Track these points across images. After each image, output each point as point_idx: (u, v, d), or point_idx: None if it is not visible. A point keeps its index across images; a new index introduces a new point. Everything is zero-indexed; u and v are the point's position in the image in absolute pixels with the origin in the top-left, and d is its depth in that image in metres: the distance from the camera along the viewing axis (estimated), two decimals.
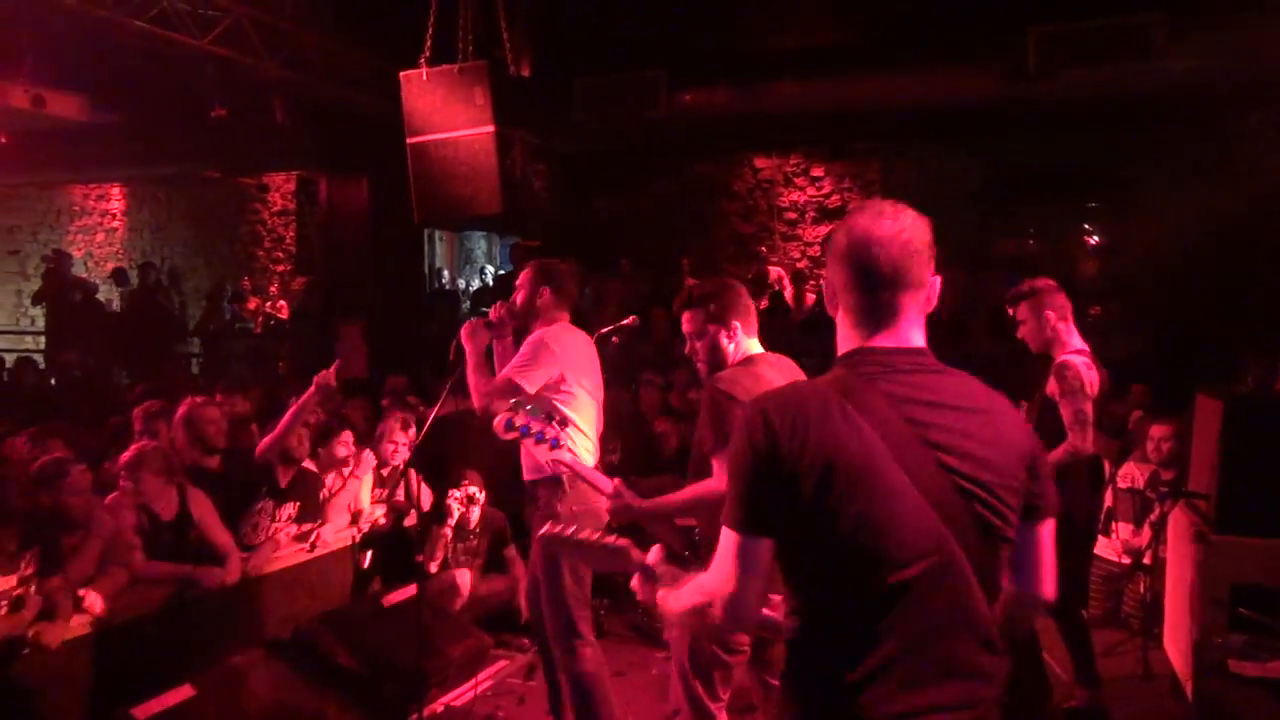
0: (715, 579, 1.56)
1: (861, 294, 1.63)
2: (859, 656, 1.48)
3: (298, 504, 4.63)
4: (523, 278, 3.68)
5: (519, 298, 3.65)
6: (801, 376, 2.79)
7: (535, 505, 3.62)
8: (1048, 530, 1.69)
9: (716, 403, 2.63)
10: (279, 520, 4.56)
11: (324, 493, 4.89)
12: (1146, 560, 4.71)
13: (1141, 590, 4.87)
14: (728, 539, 1.55)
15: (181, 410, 4.49)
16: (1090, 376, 3.66)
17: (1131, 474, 5.12)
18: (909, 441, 1.51)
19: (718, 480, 2.55)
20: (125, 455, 4.14)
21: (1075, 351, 3.73)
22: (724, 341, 2.84)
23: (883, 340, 1.62)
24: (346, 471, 5.06)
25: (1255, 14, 6.60)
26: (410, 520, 5.02)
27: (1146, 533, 4.98)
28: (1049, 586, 1.71)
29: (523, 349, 3.49)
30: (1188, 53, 7.01)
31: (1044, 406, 3.74)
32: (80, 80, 6.74)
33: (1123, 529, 5.10)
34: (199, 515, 4.13)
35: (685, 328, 2.88)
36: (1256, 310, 6.70)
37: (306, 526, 4.69)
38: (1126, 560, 5.04)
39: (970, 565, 1.51)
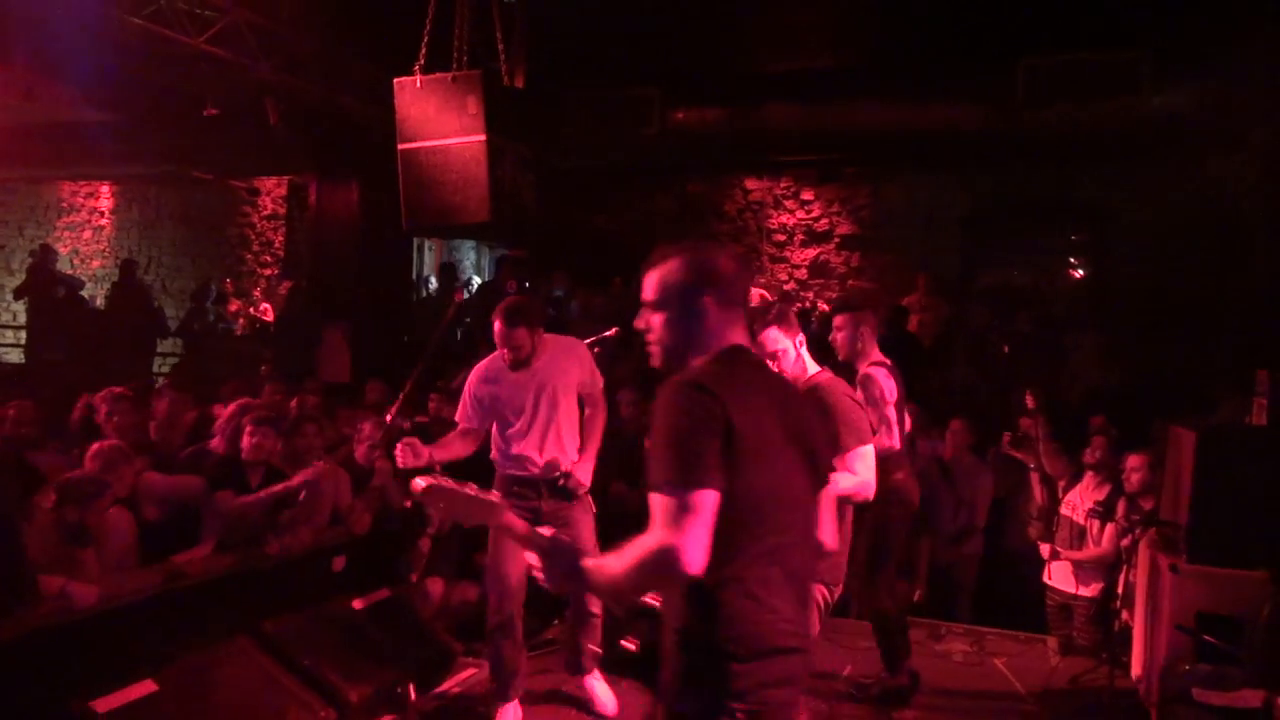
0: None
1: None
2: None
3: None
4: (522, 338, 3.80)
5: (524, 353, 3.82)
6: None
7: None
8: None
9: (846, 404, 2.95)
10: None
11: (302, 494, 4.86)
12: (1119, 589, 4.74)
13: (1087, 619, 4.92)
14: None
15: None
16: (889, 385, 3.98)
17: (1074, 502, 5.15)
18: None
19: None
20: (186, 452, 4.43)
21: (876, 364, 4.04)
22: (801, 350, 3.05)
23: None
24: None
25: (1239, 58, 6.73)
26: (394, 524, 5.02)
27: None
28: None
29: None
30: (1173, 91, 7.13)
31: None
32: (73, 74, 6.73)
33: (1059, 562, 5.13)
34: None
35: (775, 346, 3.03)
36: (1230, 345, 6.79)
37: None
38: (1072, 590, 5.06)
39: None
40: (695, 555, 1.76)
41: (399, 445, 3.62)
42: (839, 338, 4.14)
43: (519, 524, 2.03)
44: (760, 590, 1.88)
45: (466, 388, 4.03)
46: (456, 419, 4.05)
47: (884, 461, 3.94)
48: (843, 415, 2.89)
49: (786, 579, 1.93)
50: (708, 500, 1.78)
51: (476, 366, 4.06)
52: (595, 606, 4.01)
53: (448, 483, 1.99)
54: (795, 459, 1.98)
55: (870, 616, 4.32)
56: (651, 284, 2.03)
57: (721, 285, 1.99)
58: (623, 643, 1.98)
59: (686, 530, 1.76)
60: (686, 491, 1.77)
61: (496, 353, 3.90)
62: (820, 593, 2.90)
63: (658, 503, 1.80)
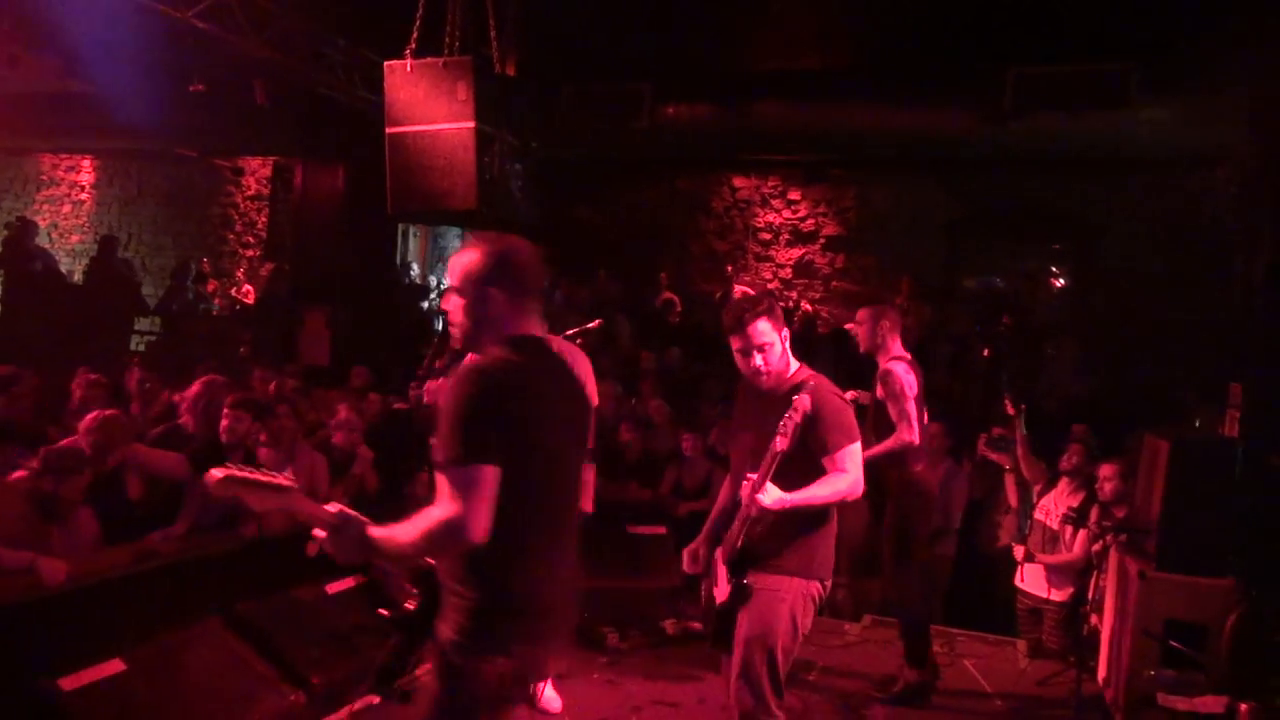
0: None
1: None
2: None
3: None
4: None
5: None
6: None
7: None
8: None
9: (835, 403, 2.89)
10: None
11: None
12: (1089, 594, 4.79)
13: (1056, 623, 4.98)
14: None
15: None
16: (909, 379, 4.09)
17: (1048, 507, 5.20)
18: None
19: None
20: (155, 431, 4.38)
21: (897, 359, 4.15)
22: (786, 346, 2.96)
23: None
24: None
25: (1223, 72, 6.80)
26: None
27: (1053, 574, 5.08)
28: None
29: None
30: (1159, 104, 7.20)
31: (876, 407, 4.23)
32: (58, 44, 6.63)
33: (1031, 566, 5.18)
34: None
35: (762, 339, 2.89)
36: (1206, 358, 6.87)
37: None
38: (1044, 594, 5.12)
39: None
40: (480, 525, 1.98)
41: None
42: (861, 331, 4.27)
43: (307, 504, 2.10)
44: (538, 555, 2.12)
45: None
46: None
47: (902, 455, 4.07)
48: (831, 415, 2.86)
49: (560, 544, 2.19)
50: (489, 475, 1.98)
51: None
52: None
53: (241, 471, 2.07)
54: (569, 440, 2.23)
55: (898, 612, 4.42)
56: (454, 271, 2.23)
57: (512, 279, 2.18)
58: (405, 605, 2.10)
59: (471, 503, 1.96)
60: (469, 468, 1.98)
61: None
62: (814, 589, 2.90)
63: (444, 478, 1.99)
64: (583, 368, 3.95)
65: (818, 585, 2.92)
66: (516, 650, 2.08)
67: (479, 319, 2.17)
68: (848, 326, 4.44)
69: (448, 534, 1.98)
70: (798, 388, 2.87)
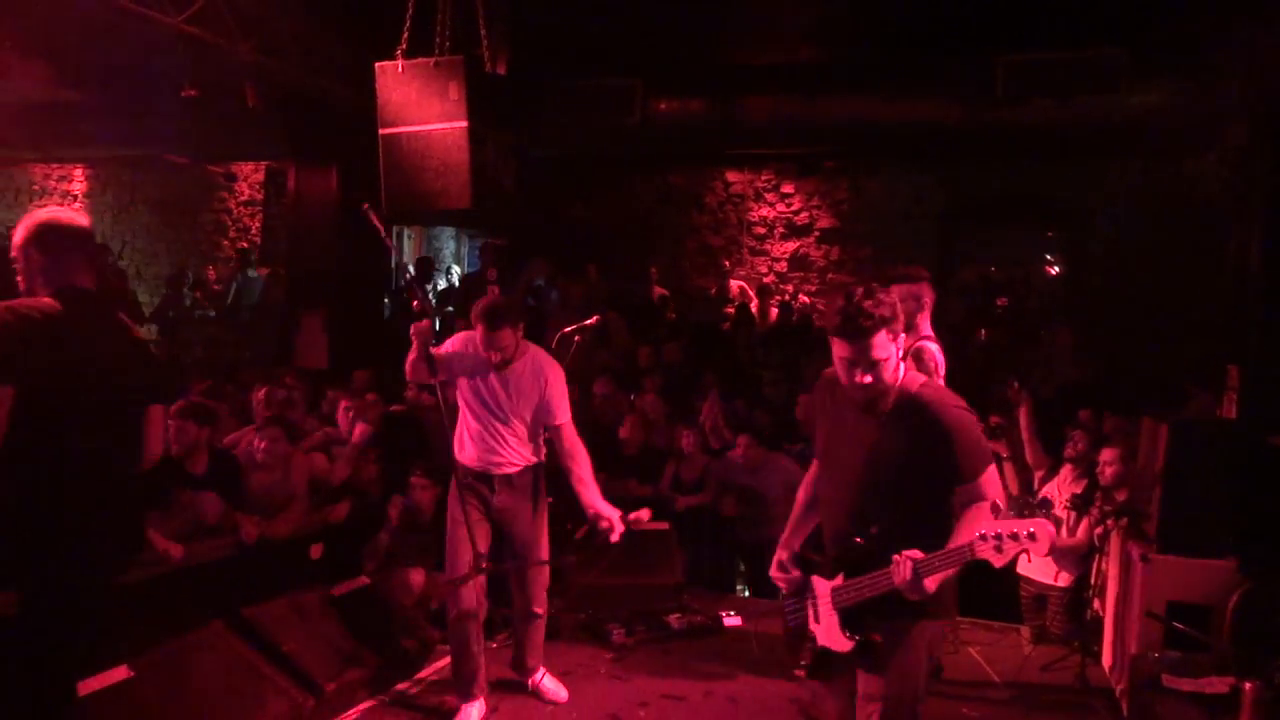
0: None
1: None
2: None
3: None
4: (507, 339, 3.84)
5: (510, 353, 3.90)
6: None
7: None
8: None
9: (967, 421, 2.49)
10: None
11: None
12: (1092, 579, 4.81)
13: (1060, 608, 4.99)
14: None
15: None
16: (941, 359, 4.07)
17: (1051, 493, 5.20)
18: None
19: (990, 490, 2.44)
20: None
21: (927, 338, 4.12)
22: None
23: None
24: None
25: (1215, 56, 6.81)
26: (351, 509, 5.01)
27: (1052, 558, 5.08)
28: None
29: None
30: (1148, 89, 7.21)
31: None
32: (46, 51, 6.60)
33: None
34: None
35: (882, 353, 2.43)
36: (1201, 341, 6.89)
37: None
38: (1049, 580, 5.12)
39: None
40: None
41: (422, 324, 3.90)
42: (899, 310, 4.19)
43: None
44: (54, 485, 2.47)
45: (452, 342, 4.00)
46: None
47: None
48: (964, 435, 2.44)
49: (85, 477, 2.53)
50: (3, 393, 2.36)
51: (465, 334, 4.00)
52: (539, 607, 4.09)
53: None
54: (104, 381, 2.61)
55: None
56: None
57: (47, 241, 2.64)
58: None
59: None
60: None
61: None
62: (943, 625, 2.85)
63: None
64: (554, 376, 3.95)
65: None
66: (57, 571, 2.47)
67: (26, 275, 2.65)
68: None
69: None
70: (915, 401, 2.48)
